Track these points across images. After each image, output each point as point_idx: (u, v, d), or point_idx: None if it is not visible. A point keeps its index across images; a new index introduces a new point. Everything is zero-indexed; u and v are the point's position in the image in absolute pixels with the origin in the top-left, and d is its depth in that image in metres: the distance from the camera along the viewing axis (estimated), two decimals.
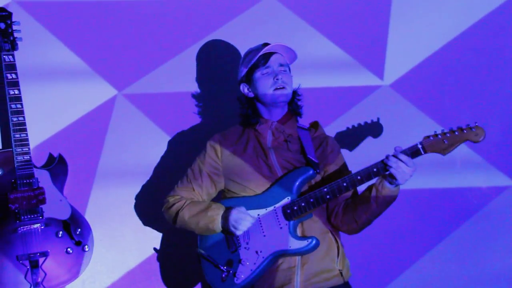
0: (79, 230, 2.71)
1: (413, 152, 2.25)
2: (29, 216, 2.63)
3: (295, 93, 2.57)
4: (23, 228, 2.62)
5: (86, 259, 2.70)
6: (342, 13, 3.21)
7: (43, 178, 2.70)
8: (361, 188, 2.39)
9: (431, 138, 2.22)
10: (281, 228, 2.36)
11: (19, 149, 2.65)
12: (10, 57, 2.68)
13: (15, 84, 2.68)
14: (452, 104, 3.17)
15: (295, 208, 2.34)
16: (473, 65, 3.21)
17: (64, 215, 2.70)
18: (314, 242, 2.33)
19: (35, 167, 2.70)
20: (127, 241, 2.95)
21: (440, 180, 3.10)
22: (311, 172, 2.39)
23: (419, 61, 3.19)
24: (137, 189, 3.00)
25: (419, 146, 2.23)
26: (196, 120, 3.06)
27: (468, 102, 3.18)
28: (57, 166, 2.77)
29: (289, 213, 2.35)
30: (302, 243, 2.33)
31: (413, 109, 3.14)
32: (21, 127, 2.66)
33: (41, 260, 2.61)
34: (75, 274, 2.68)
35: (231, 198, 2.50)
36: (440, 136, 2.21)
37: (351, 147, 3.01)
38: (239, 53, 3.09)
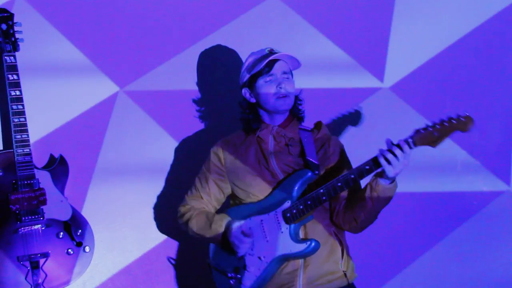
0: (80, 231, 2.72)
1: (402, 146, 2.22)
2: (30, 217, 2.65)
3: (296, 98, 2.57)
4: (24, 229, 2.63)
5: (87, 260, 2.72)
6: (344, 14, 3.21)
7: (44, 179, 2.71)
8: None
9: (422, 131, 2.21)
10: (282, 232, 2.37)
11: (20, 150, 2.66)
12: (12, 58, 2.68)
13: (17, 85, 2.67)
14: (451, 108, 3.10)
15: (294, 211, 2.35)
16: (473, 69, 3.21)
17: (65, 216, 2.72)
18: (313, 244, 2.33)
19: (36, 168, 2.71)
20: (128, 242, 2.95)
21: (438, 184, 3.12)
22: (309, 174, 2.39)
23: (420, 64, 3.19)
24: (137, 188, 2.98)
25: (410, 140, 2.22)
26: (197, 119, 3.05)
27: (467, 107, 3.12)
28: (58, 167, 2.77)
29: (288, 216, 2.36)
30: (302, 246, 2.33)
31: (412, 112, 3.14)
32: (22, 128, 2.66)
33: (41, 261, 2.63)
34: (76, 275, 2.69)
35: (236, 205, 2.53)
36: (430, 129, 2.19)
37: (348, 149, 3.03)
38: (242, 52, 3.08)
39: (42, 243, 2.64)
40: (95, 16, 3.05)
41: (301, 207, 2.33)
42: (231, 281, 2.42)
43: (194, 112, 3.04)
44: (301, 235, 2.39)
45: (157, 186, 3.00)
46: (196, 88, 3.07)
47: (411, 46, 3.19)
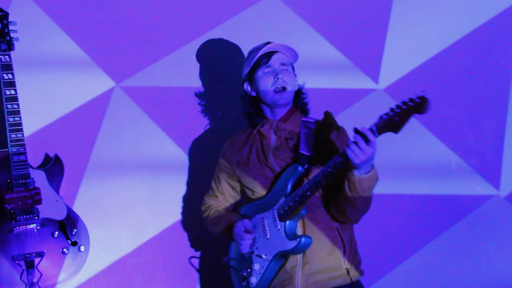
0: (75, 230, 2.73)
1: (366, 135, 2.14)
2: (25, 217, 2.65)
3: (299, 90, 2.57)
4: (18, 229, 2.64)
5: (82, 259, 2.73)
6: (342, 14, 3.21)
7: (39, 179, 2.71)
8: None
9: (384, 117, 2.11)
10: (278, 229, 2.39)
11: (15, 149, 2.65)
12: (7, 57, 2.66)
13: (12, 84, 2.66)
14: (444, 111, 3.19)
15: (286, 208, 2.36)
16: (467, 73, 3.23)
17: (60, 215, 2.72)
18: (303, 240, 2.33)
19: (31, 167, 2.70)
20: (122, 241, 2.96)
21: (428, 186, 3.15)
22: (299, 169, 2.38)
23: (414, 67, 3.21)
24: (131, 185, 2.99)
25: (373, 128, 2.14)
26: (193, 116, 3.06)
27: (461, 110, 3.21)
28: (53, 167, 2.77)
29: (282, 214, 2.37)
30: (293, 243, 2.34)
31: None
32: (17, 127, 2.65)
33: (36, 260, 2.64)
34: (70, 275, 2.70)
35: (247, 203, 2.58)
36: (391, 113, 2.09)
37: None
38: (239, 50, 3.10)
39: (37, 242, 2.65)
40: (93, 9, 3.03)
41: (291, 203, 2.34)
42: (243, 280, 2.47)
43: (190, 109, 3.04)
44: (300, 231, 2.40)
45: (152, 183, 3.00)
46: (193, 85, 3.07)
47: (407, 48, 3.21)
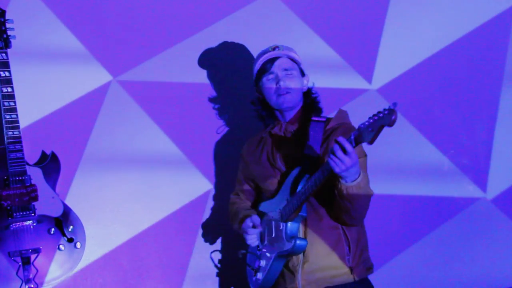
0: (71, 227, 2.76)
1: (343, 145, 2.15)
2: (21, 213, 2.67)
3: (309, 91, 2.60)
4: (15, 225, 2.66)
5: (78, 256, 2.76)
6: (338, 13, 3.23)
7: (36, 176, 2.72)
8: None
9: (361, 127, 2.10)
10: (280, 230, 2.46)
11: (11, 147, 2.66)
12: (3, 55, 2.66)
13: (8, 81, 2.66)
14: (436, 113, 3.23)
15: (286, 210, 2.42)
16: (459, 75, 3.26)
17: (57, 212, 2.74)
18: (297, 243, 2.38)
19: (28, 164, 2.71)
20: (118, 238, 2.97)
21: (418, 188, 3.18)
22: (301, 171, 2.43)
23: (408, 68, 3.23)
24: (126, 182, 2.99)
25: (352, 138, 2.15)
26: (188, 112, 3.07)
27: (453, 112, 3.24)
28: (49, 164, 2.78)
29: (283, 215, 2.44)
30: (289, 245, 2.40)
31: (398, 115, 3.16)
32: (14, 124, 2.66)
33: (33, 256, 2.67)
34: (66, 271, 2.74)
35: (264, 201, 2.63)
36: (366, 124, 2.10)
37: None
38: (234, 47, 3.12)
39: (34, 239, 2.68)
40: (93, 2, 3.02)
41: (290, 206, 2.40)
42: (253, 275, 2.57)
43: (186, 105, 3.06)
44: (301, 231, 2.45)
45: (147, 179, 3.01)
46: (190, 81, 3.08)
47: (402, 49, 3.24)
